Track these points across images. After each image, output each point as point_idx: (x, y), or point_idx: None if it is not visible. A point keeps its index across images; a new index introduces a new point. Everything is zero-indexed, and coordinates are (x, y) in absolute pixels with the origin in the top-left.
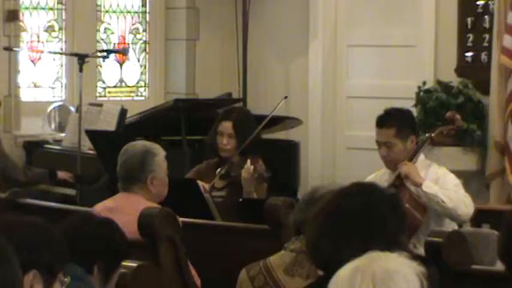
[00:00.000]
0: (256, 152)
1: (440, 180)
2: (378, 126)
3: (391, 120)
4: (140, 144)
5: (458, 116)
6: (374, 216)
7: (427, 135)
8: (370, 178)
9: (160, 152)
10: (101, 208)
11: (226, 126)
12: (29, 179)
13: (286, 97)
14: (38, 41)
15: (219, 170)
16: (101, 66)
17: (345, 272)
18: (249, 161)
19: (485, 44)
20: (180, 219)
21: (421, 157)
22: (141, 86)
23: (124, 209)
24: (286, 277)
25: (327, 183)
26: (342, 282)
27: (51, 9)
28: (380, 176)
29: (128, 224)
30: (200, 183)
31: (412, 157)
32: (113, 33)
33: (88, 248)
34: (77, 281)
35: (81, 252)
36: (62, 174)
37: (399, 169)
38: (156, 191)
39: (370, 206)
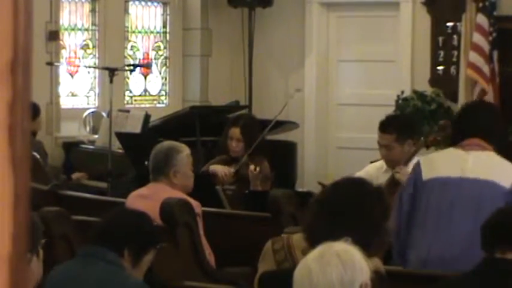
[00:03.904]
0: (262, 153)
1: None
2: (380, 130)
3: (392, 127)
4: (167, 143)
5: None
6: (363, 206)
7: (422, 138)
8: (364, 171)
9: (184, 150)
10: (136, 194)
11: (235, 131)
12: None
13: (299, 90)
14: (75, 57)
15: (233, 168)
16: (128, 78)
17: (312, 256)
18: (251, 166)
19: (454, 60)
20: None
21: (416, 159)
22: (162, 95)
23: (153, 196)
24: (302, 257)
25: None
26: (312, 263)
27: (86, 30)
28: (375, 171)
29: (154, 210)
30: (220, 168)
31: (410, 158)
32: (138, 50)
33: (120, 234)
34: (112, 265)
35: (114, 238)
36: (76, 175)
37: (395, 175)
38: (179, 182)
39: (359, 196)
